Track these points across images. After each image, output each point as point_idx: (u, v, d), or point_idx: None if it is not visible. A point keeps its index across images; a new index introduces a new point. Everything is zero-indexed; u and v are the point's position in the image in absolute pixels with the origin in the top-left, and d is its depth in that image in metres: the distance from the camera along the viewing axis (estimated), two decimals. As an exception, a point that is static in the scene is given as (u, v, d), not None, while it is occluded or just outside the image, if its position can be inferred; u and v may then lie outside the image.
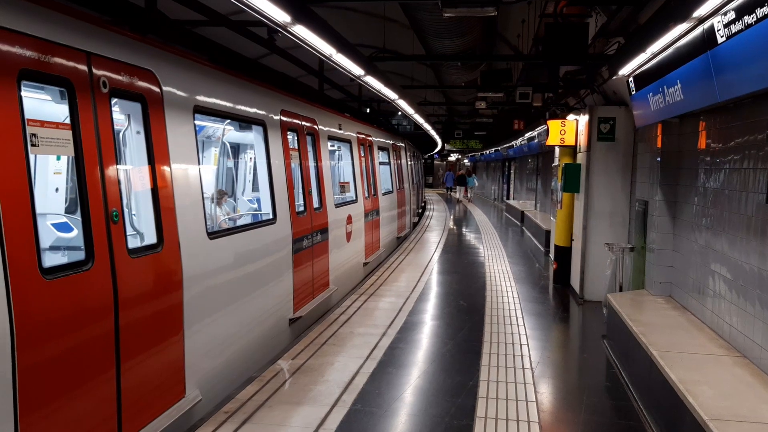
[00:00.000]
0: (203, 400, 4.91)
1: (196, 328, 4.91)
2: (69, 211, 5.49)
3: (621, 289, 8.03)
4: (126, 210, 4.31)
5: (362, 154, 12.02)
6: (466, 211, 26.83)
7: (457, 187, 35.42)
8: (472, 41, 10.85)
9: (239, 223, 7.44)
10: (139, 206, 4.53)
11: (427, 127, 21.55)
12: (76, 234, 5.01)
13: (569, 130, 10.00)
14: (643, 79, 6.57)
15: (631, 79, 7.02)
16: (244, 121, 6.53)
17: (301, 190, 8.05)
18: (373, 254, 12.33)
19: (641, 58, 5.92)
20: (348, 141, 11.16)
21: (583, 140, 9.49)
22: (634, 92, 7.07)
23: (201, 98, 5.32)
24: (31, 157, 3.33)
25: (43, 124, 3.45)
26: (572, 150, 10.27)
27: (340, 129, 10.49)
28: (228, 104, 5.92)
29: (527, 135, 18.27)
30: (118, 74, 4.09)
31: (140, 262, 4.17)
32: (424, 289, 9.71)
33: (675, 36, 5.06)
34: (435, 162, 55.75)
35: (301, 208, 7.86)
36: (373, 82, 9.18)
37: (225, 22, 7.46)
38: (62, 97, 3.66)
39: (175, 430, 4.50)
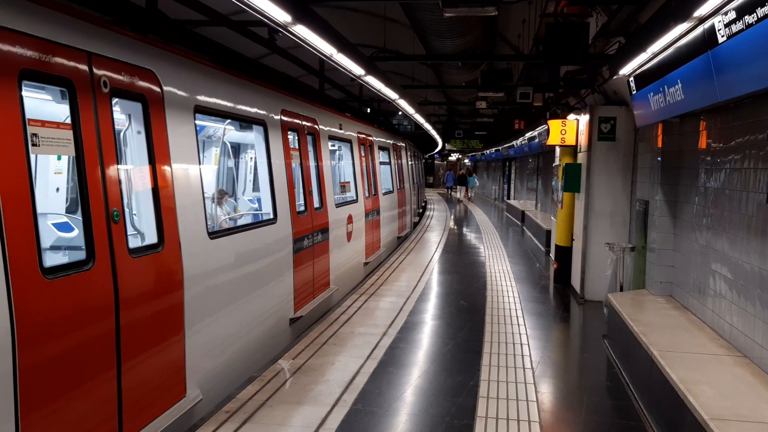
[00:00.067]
0: (204, 399, 4.92)
1: (197, 327, 4.91)
2: (70, 210, 5.50)
3: (622, 289, 8.03)
4: (127, 210, 4.32)
5: (363, 154, 12.03)
6: (467, 211, 26.83)
7: (458, 186, 35.44)
8: (472, 41, 10.85)
9: (240, 222, 7.44)
10: (140, 206, 4.53)
11: (427, 126, 21.55)
12: (76, 234, 5.02)
13: (570, 129, 10.00)
14: (644, 78, 6.57)
15: (631, 78, 7.02)
16: (244, 121, 6.54)
17: (301, 190, 8.05)
18: (374, 254, 12.33)
19: (642, 57, 5.92)
20: (349, 141, 11.16)
21: (583, 140, 9.49)
22: (634, 92, 7.07)
23: (202, 98, 5.32)
24: (32, 156, 3.33)
25: (43, 123, 3.45)
26: (573, 150, 10.27)
27: (340, 129, 10.49)
28: (229, 104, 5.92)
29: (528, 135, 18.27)
30: (119, 74, 4.09)
31: (141, 261, 4.17)
32: (425, 289, 9.71)
33: (675, 36, 5.06)
34: (435, 162, 55.75)
35: (302, 208, 7.87)
36: (373, 81, 9.18)
37: (225, 22, 7.47)
38: (63, 96, 3.66)
39: (176, 430, 4.50)
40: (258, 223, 6.66)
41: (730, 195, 5.33)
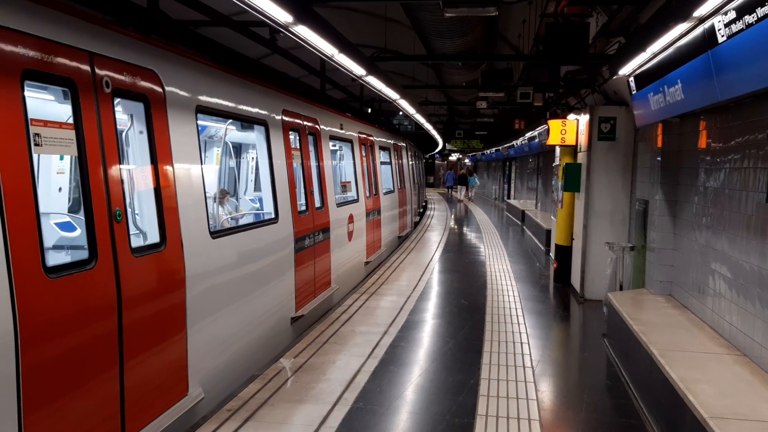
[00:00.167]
0: (206, 398, 4.93)
1: (199, 326, 4.93)
2: (72, 210, 5.51)
3: (621, 288, 8.05)
4: (129, 209, 4.33)
5: (364, 154, 12.04)
6: (467, 211, 26.84)
7: (458, 186, 35.45)
8: (473, 41, 10.86)
9: (241, 222, 7.46)
10: (142, 205, 4.54)
11: (428, 126, 21.56)
12: (79, 233, 5.04)
13: (570, 129, 10.01)
14: (644, 78, 6.58)
15: (631, 78, 7.04)
16: (246, 121, 6.55)
17: (302, 190, 8.07)
18: (375, 253, 12.35)
19: (642, 57, 5.93)
20: (349, 141, 11.18)
21: (583, 140, 9.50)
22: (634, 92, 7.09)
23: (203, 98, 5.34)
24: (35, 156, 3.35)
25: (46, 123, 3.47)
26: (573, 149, 10.29)
27: (341, 129, 10.51)
28: (230, 104, 5.94)
29: (528, 135, 18.29)
30: (121, 74, 4.10)
31: (143, 261, 4.19)
32: (426, 288, 9.73)
33: (675, 36, 5.07)
34: (436, 161, 55.75)
35: (303, 208, 7.88)
36: (374, 82, 9.20)
37: (227, 23, 7.49)
38: (65, 96, 3.67)
39: (178, 428, 4.52)
40: (259, 223, 6.67)
41: (730, 194, 5.34)
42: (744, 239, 5.02)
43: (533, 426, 4.74)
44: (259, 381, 5.48)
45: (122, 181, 4.03)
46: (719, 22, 4.38)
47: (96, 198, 3.74)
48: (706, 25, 4.58)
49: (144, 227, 4.53)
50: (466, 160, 50.17)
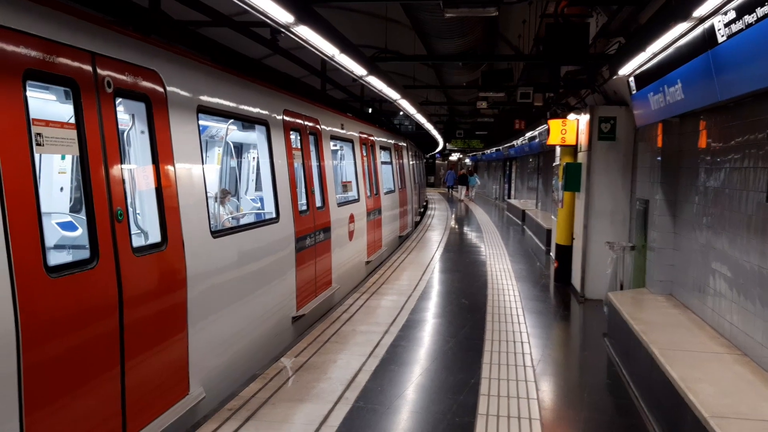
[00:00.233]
0: (207, 397, 4.94)
1: (200, 326, 4.94)
2: (74, 210, 5.53)
3: (622, 288, 8.05)
4: (130, 209, 4.34)
5: (364, 154, 12.06)
6: (468, 211, 26.85)
7: (459, 186, 35.45)
8: (473, 41, 10.88)
9: (242, 222, 7.48)
10: (144, 205, 4.55)
11: (428, 126, 21.56)
12: (80, 233, 5.05)
13: (570, 129, 10.02)
14: (644, 78, 6.59)
15: (631, 78, 7.04)
16: (247, 121, 6.56)
17: (303, 190, 8.08)
18: (375, 253, 12.36)
19: (642, 57, 5.94)
20: (350, 141, 11.19)
21: (583, 140, 9.51)
22: (634, 92, 7.09)
23: (204, 98, 5.35)
24: (36, 156, 3.36)
25: (48, 123, 3.48)
26: (573, 149, 10.30)
27: (342, 129, 10.52)
28: (231, 104, 5.95)
29: (528, 134, 18.29)
30: (123, 74, 4.12)
31: (144, 260, 4.20)
32: (426, 288, 9.74)
33: (675, 35, 5.08)
34: (436, 161, 55.75)
35: (304, 207, 7.89)
36: (375, 82, 9.21)
37: (228, 23, 7.50)
38: (67, 96, 3.68)
39: (179, 427, 4.53)
40: (260, 223, 6.68)
41: (730, 194, 5.35)
42: (744, 239, 5.03)
43: (534, 425, 4.74)
44: (260, 380, 5.49)
45: (124, 181, 4.04)
46: (719, 22, 4.39)
47: (97, 197, 3.75)
48: (706, 25, 4.59)
49: (145, 227, 4.54)
50: (467, 160, 50.18)
